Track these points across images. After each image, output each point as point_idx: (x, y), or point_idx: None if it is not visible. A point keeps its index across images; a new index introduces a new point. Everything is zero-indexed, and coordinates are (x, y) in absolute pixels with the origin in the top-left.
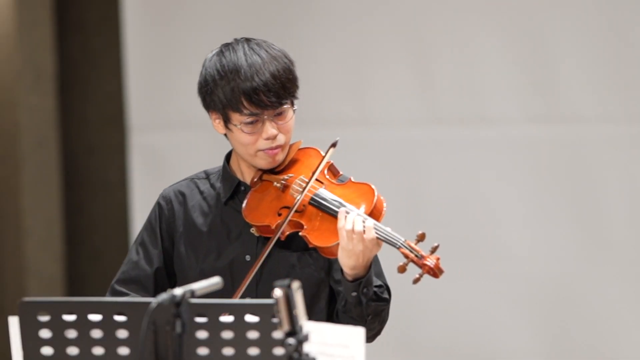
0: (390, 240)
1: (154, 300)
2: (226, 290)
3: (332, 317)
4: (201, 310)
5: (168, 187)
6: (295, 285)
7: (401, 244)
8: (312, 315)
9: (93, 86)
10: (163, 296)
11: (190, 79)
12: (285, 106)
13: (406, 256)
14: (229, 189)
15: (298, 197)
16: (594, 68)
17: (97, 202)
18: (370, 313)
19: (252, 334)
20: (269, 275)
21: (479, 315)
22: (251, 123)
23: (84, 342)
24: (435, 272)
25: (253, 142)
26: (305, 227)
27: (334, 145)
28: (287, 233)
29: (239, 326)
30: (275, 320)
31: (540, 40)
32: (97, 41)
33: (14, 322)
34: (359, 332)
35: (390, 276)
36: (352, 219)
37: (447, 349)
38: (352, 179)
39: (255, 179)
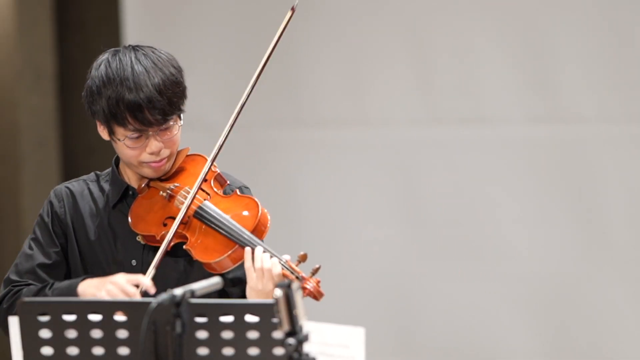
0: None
1: (154, 300)
2: None
3: None
4: (201, 310)
5: (60, 185)
6: (295, 285)
7: (282, 264)
8: None
9: None
10: (163, 296)
11: (190, 79)
12: (171, 122)
13: (286, 277)
14: (117, 193)
15: (182, 210)
16: (594, 68)
17: None
18: None
19: (252, 334)
20: (161, 281)
21: (479, 315)
22: (136, 138)
23: (84, 342)
24: (315, 295)
25: (137, 155)
26: (189, 239)
27: (292, 9)
28: (172, 244)
29: (239, 326)
30: (275, 320)
31: (540, 41)
32: (97, 41)
33: (14, 322)
34: (359, 332)
35: (414, 275)
36: (260, 257)
37: (447, 349)
38: (238, 192)
39: (143, 185)
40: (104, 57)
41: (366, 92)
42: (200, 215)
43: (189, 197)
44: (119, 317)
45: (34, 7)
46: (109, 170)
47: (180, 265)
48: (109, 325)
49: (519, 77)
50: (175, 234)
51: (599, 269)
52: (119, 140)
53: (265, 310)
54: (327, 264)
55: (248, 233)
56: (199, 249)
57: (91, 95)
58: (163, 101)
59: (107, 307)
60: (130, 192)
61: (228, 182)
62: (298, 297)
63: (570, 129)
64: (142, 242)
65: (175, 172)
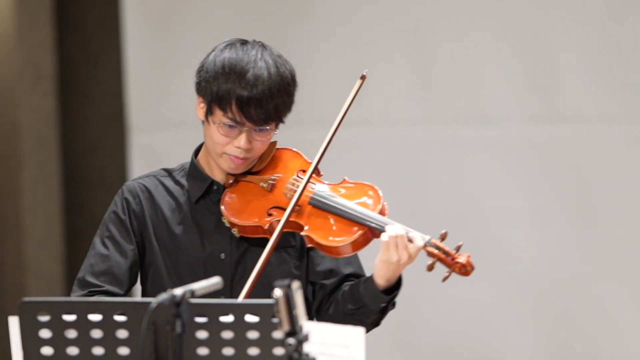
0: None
1: (154, 300)
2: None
3: (311, 315)
4: (201, 310)
5: (131, 181)
6: (296, 285)
7: (426, 242)
8: None
9: (93, 86)
10: (163, 296)
11: (191, 79)
12: (267, 127)
13: (432, 255)
14: (201, 187)
15: (294, 193)
16: (594, 68)
17: (97, 202)
18: (383, 317)
19: (252, 334)
20: (245, 273)
21: (479, 315)
22: (229, 127)
23: (84, 342)
24: (468, 268)
25: (224, 143)
26: (306, 227)
27: (363, 78)
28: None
29: (239, 326)
30: (275, 320)
31: (540, 41)
32: (97, 41)
33: (14, 322)
34: (359, 332)
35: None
36: (394, 228)
37: (447, 349)
38: (347, 178)
39: (232, 180)
40: (230, 42)
41: (366, 92)
42: (317, 201)
43: (303, 181)
44: (119, 317)
45: (34, 7)
46: (181, 165)
47: (259, 251)
48: (109, 325)
49: (519, 77)
50: (287, 223)
51: (599, 269)
52: (213, 123)
53: (265, 310)
54: None
55: (375, 214)
56: (322, 233)
57: (206, 72)
58: (271, 105)
59: (107, 307)
60: (215, 187)
61: (322, 173)
62: (298, 297)
63: (570, 129)
64: (237, 235)
65: (269, 164)
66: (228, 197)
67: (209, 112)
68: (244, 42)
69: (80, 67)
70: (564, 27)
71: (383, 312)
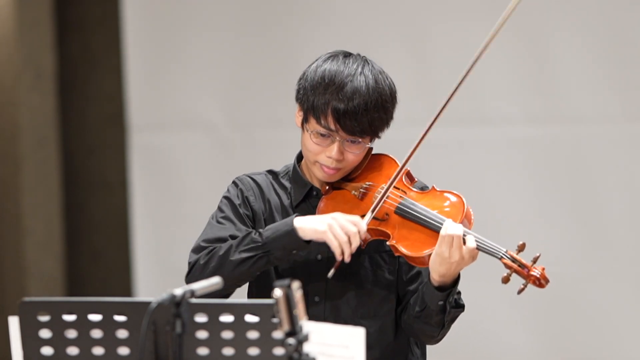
0: (490, 251)
1: (154, 300)
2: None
3: (398, 319)
4: (201, 310)
5: (243, 175)
6: (295, 285)
7: (503, 254)
8: (380, 317)
9: (93, 86)
10: (163, 296)
11: (191, 79)
12: (361, 139)
13: (509, 267)
14: (301, 192)
15: (375, 203)
16: (594, 68)
17: (97, 202)
18: (449, 319)
19: (252, 334)
20: (340, 275)
21: (479, 315)
22: (322, 135)
23: (84, 342)
24: (542, 282)
25: (316, 152)
26: (392, 236)
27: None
28: (369, 240)
29: (239, 326)
30: (275, 320)
31: (540, 41)
32: (97, 41)
33: (14, 322)
34: (359, 332)
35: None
36: (454, 227)
37: (447, 348)
38: (435, 187)
39: (328, 187)
40: (333, 53)
41: None
42: (403, 211)
43: (386, 188)
44: (119, 317)
45: (34, 7)
46: (285, 168)
47: (362, 261)
48: (109, 325)
49: (519, 77)
50: (375, 232)
51: (599, 269)
52: (307, 130)
53: (265, 310)
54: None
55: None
56: (406, 243)
57: (306, 81)
58: (365, 119)
59: (107, 307)
60: (315, 193)
61: (417, 179)
62: (298, 297)
63: (571, 129)
64: None
65: (363, 172)
66: (322, 204)
67: (305, 120)
68: (347, 55)
69: (80, 67)
70: (564, 28)
71: (443, 312)
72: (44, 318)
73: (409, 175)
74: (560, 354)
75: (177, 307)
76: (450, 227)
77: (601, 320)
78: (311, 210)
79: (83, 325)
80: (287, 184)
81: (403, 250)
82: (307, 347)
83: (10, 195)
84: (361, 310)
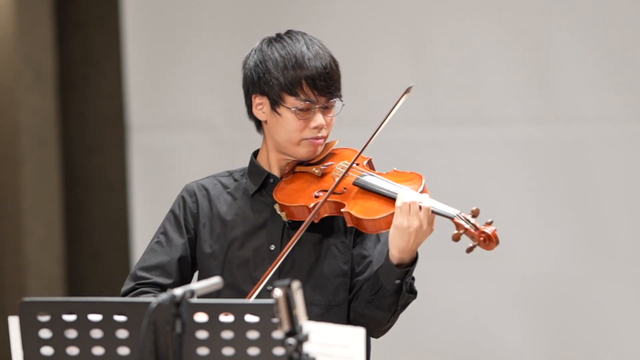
0: (444, 213)
1: (154, 300)
2: (250, 278)
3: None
4: (201, 310)
5: (191, 182)
6: (295, 285)
7: (456, 214)
8: (334, 307)
9: (93, 86)
10: (163, 296)
11: (191, 79)
12: (334, 100)
13: (460, 227)
14: (258, 181)
15: (341, 174)
16: (594, 68)
17: (97, 202)
18: (401, 305)
19: (252, 334)
20: (294, 265)
21: (479, 315)
22: (303, 110)
23: (84, 342)
24: (492, 239)
25: (300, 129)
26: (347, 205)
27: (408, 90)
28: (324, 215)
29: (239, 326)
30: (275, 320)
31: (540, 41)
32: (97, 41)
33: (14, 322)
34: (359, 332)
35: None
36: (409, 194)
37: (447, 349)
38: (396, 169)
39: (287, 171)
40: (269, 38)
41: (366, 92)
42: (361, 182)
43: (351, 163)
44: (119, 317)
45: (34, 7)
46: (241, 167)
47: (316, 250)
48: (109, 325)
49: (519, 77)
50: (331, 205)
51: (599, 269)
52: (288, 109)
53: (265, 310)
54: None
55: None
56: (359, 209)
57: (264, 66)
58: (334, 77)
59: (107, 307)
60: (271, 180)
61: (375, 169)
62: (298, 297)
63: (570, 129)
64: (285, 219)
65: (325, 158)
66: (282, 184)
67: (276, 105)
68: (284, 35)
69: (80, 67)
70: (564, 27)
71: (398, 293)
72: (44, 318)
73: (370, 163)
74: (560, 354)
75: (177, 307)
76: (405, 195)
77: (601, 320)
78: (268, 198)
79: (83, 325)
80: (242, 179)
81: (356, 214)
82: (307, 347)
83: (10, 195)
84: (316, 298)
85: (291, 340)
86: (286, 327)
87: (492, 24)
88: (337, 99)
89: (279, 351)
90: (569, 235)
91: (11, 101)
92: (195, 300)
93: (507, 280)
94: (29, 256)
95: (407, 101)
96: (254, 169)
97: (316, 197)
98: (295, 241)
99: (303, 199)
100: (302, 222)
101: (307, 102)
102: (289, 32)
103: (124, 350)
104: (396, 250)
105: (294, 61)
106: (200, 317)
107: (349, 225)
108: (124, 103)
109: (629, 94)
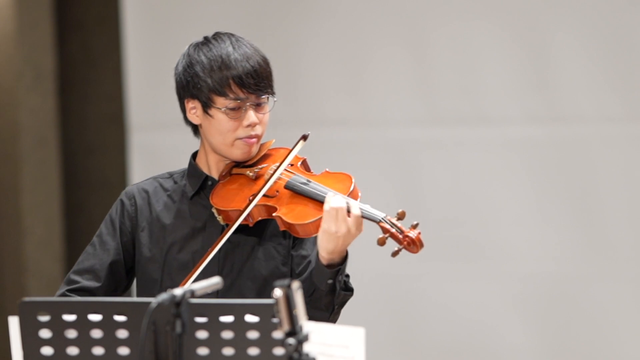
0: (371, 216)
1: (154, 300)
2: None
3: None
4: (201, 310)
5: (131, 185)
6: (295, 285)
7: (382, 218)
8: None
9: (93, 86)
10: (163, 296)
11: None
12: (265, 96)
13: (386, 231)
14: (196, 183)
15: (270, 178)
16: (594, 68)
17: (97, 202)
18: (338, 303)
19: (252, 334)
20: (233, 267)
21: (479, 315)
22: (234, 109)
23: (84, 342)
24: (416, 244)
25: (234, 129)
26: (278, 209)
27: (304, 137)
28: (258, 219)
29: (239, 326)
30: (275, 320)
31: (540, 41)
32: (97, 41)
33: (14, 322)
34: (359, 332)
35: (415, 275)
36: (336, 198)
37: (447, 349)
38: (328, 170)
39: (224, 173)
40: (197, 42)
41: (366, 92)
42: (291, 185)
43: (282, 166)
44: (119, 317)
45: (34, 7)
46: (182, 169)
47: (254, 252)
48: (109, 325)
49: (519, 77)
50: (262, 208)
51: (599, 269)
52: (218, 110)
53: (265, 310)
54: None
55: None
56: (291, 214)
57: (191, 71)
58: (263, 74)
59: (107, 307)
60: (210, 183)
61: (312, 171)
62: (298, 297)
63: (570, 129)
64: (222, 223)
65: (260, 159)
66: (219, 187)
67: (208, 107)
68: (211, 38)
69: (80, 67)
70: (564, 27)
71: (333, 293)
72: (44, 318)
73: (304, 164)
74: (560, 354)
75: (177, 307)
76: (332, 200)
77: (601, 320)
78: (206, 201)
79: (83, 325)
80: (181, 181)
81: (287, 219)
82: (307, 347)
83: (10, 195)
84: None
85: (291, 340)
86: (286, 327)
87: (492, 24)
88: (269, 95)
89: (279, 351)
90: (569, 235)
91: (11, 101)
92: (195, 300)
93: (507, 280)
94: (29, 256)
95: (407, 101)
96: (192, 171)
97: (250, 200)
98: (222, 243)
99: (237, 203)
100: (240, 225)
101: (237, 101)
102: (215, 35)
103: (124, 350)
104: (325, 252)
105: (220, 62)
106: (200, 317)
107: (281, 229)
108: (124, 103)
109: (629, 94)
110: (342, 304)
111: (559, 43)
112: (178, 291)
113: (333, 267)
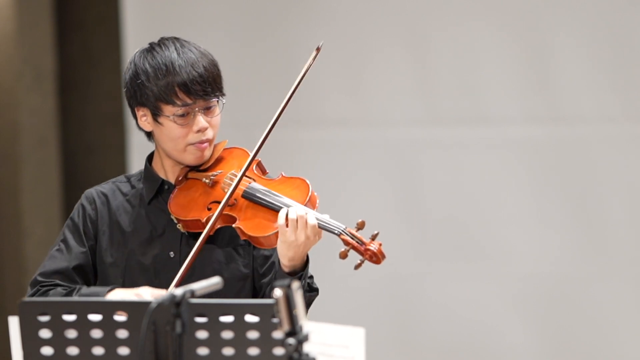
0: (330, 228)
1: (154, 300)
2: (151, 286)
3: None
4: (201, 310)
5: (90, 189)
6: (295, 285)
7: (341, 230)
8: None
9: (93, 86)
10: (163, 296)
11: None
12: (214, 99)
13: (347, 243)
14: (153, 188)
15: (230, 189)
16: (594, 68)
17: None
18: (305, 304)
19: (252, 334)
20: (196, 271)
21: (479, 315)
22: (182, 115)
23: (84, 342)
24: (378, 256)
25: (184, 135)
26: (238, 219)
27: (317, 50)
28: (217, 227)
29: (239, 326)
30: (275, 320)
31: (540, 41)
32: (97, 41)
33: (14, 322)
34: (359, 332)
35: (414, 275)
36: (294, 209)
37: (447, 349)
38: (284, 174)
39: (180, 178)
40: (143, 49)
41: (366, 92)
42: (249, 195)
43: (239, 175)
44: (119, 317)
45: (34, 7)
46: (138, 171)
47: (217, 256)
48: (109, 325)
49: (519, 77)
50: (222, 217)
51: (599, 269)
52: (167, 118)
53: (265, 310)
54: (326, 264)
55: (291, 201)
56: (251, 225)
57: (137, 80)
58: (209, 78)
59: (107, 307)
60: (166, 187)
61: (268, 172)
62: (298, 297)
63: (570, 129)
64: (182, 230)
65: (215, 162)
66: (175, 194)
67: (156, 115)
68: (157, 43)
69: (80, 67)
70: (564, 27)
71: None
72: (44, 318)
73: (259, 165)
74: (560, 354)
75: (177, 307)
76: (290, 211)
77: (601, 320)
78: (164, 205)
79: (83, 325)
80: (138, 184)
81: (247, 232)
82: (307, 347)
83: (10, 195)
84: None
85: (291, 340)
86: (286, 327)
87: (492, 24)
88: (217, 98)
89: (279, 351)
90: (569, 235)
91: (11, 101)
92: (195, 300)
93: (507, 280)
94: (29, 256)
95: (407, 101)
96: (148, 175)
97: (209, 209)
98: (194, 250)
99: (196, 212)
100: (199, 232)
101: (185, 107)
102: (160, 41)
103: (124, 350)
104: (286, 259)
105: (165, 70)
106: (200, 317)
107: (242, 239)
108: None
109: (629, 94)
110: (309, 304)
111: (559, 43)
112: (178, 291)
113: (295, 274)
